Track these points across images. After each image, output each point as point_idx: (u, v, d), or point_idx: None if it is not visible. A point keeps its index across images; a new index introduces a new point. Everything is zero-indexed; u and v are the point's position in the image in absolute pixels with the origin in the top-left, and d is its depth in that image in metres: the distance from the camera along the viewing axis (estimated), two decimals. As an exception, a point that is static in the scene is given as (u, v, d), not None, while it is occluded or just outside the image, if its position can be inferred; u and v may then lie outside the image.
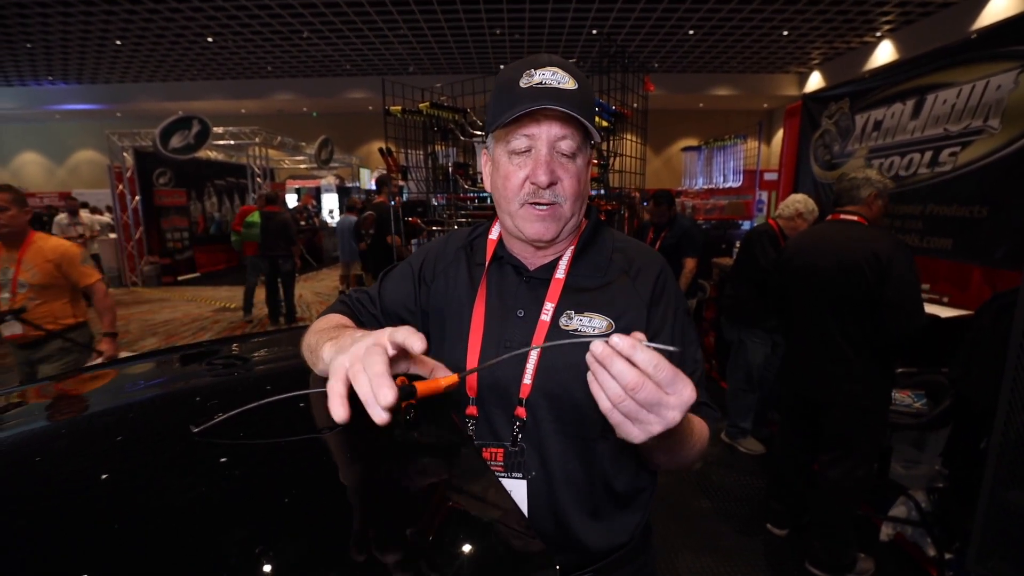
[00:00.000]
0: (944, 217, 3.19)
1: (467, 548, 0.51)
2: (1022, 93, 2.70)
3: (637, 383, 0.49)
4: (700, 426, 0.77)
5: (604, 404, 0.52)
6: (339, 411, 0.57)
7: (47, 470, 0.64)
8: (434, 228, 3.82)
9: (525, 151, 0.77)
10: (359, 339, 0.63)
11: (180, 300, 8.71)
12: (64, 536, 0.50)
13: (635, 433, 0.52)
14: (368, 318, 0.91)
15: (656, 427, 0.51)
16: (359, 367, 0.56)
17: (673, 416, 0.51)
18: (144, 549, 0.48)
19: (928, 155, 3.30)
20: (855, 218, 2.14)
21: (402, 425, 0.68)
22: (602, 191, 3.37)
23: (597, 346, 0.51)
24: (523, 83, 0.74)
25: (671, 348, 0.50)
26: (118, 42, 11.48)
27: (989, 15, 8.69)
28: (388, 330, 0.61)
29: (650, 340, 0.51)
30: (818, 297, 2.14)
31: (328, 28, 10.95)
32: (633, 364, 0.50)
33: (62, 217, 7.67)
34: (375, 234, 4.82)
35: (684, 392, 0.51)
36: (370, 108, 15.55)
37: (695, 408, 0.79)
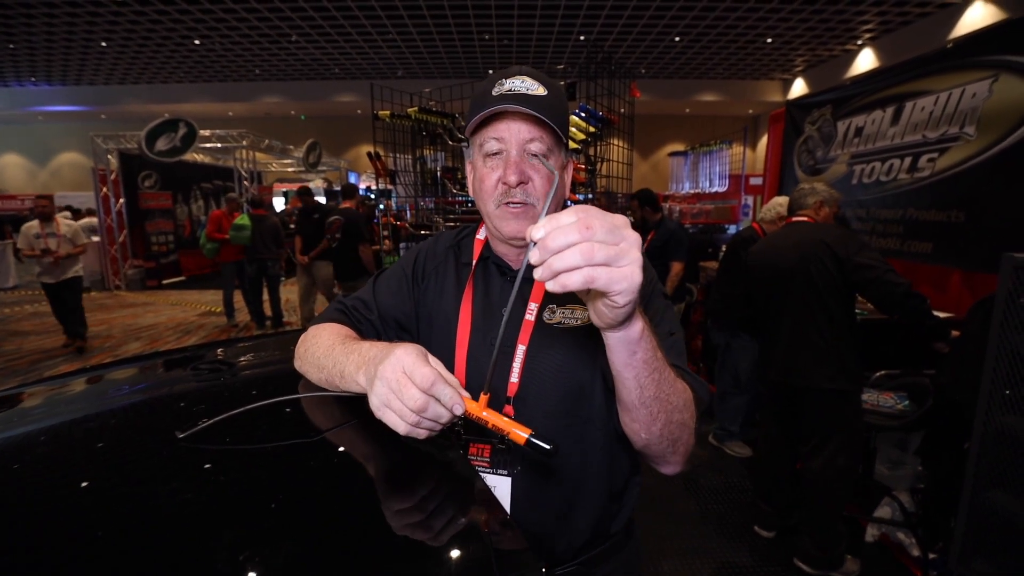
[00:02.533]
0: (924, 221, 3.26)
1: (453, 548, 0.51)
2: (996, 101, 2.77)
3: (583, 223, 0.47)
4: (680, 381, 0.72)
5: (574, 260, 0.47)
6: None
7: (26, 478, 0.63)
8: (422, 232, 3.82)
9: (497, 153, 0.81)
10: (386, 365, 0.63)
11: (165, 304, 8.59)
12: (44, 545, 0.49)
13: (627, 273, 0.49)
14: (366, 325, 0.92)
15: (635, 250, 0.50)
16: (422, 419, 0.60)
17: (634, 234, 0.50)
18: (127, 557, 0.48)
19: (908, 161, 3.38)
20: (805, 218, 2.40)
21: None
22: (590, 195, 3.40)
23: (534, 235, 0.49)
24: (495, 91, 0.78)
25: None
26: (103, 44, 11.32)
27: (965, 25, 8.89)
28: (436, 382, 0.61)
29: None
30: (786, 290, 2.28)
31: (317, 32, 10.90)
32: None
33: (31, 226, 5.41)
34: (342, 240, 4.74)
35: (619, 215, 0.51)
36: (359, 112, 15.50)
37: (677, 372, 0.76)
